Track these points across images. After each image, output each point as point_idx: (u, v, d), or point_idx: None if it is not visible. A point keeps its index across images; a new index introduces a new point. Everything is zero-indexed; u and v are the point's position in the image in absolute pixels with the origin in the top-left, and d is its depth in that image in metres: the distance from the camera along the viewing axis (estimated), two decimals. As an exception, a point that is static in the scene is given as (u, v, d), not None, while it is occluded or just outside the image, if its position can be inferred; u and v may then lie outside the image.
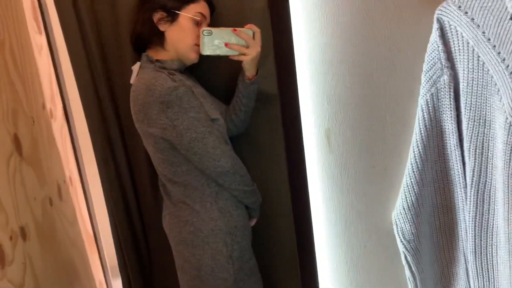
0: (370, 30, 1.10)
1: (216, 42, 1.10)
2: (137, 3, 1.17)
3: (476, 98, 1.00)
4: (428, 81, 1.07)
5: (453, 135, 1.07)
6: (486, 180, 1.03)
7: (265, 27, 1.14)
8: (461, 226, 1.13)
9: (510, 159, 0.93)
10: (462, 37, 1.00)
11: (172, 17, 1.12)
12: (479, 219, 1.06)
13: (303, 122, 1.16)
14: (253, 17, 1.15)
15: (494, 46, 0.95)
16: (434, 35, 1.04)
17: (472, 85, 1.01)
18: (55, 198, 1.17)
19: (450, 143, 1.08)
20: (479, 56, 0.98)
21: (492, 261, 1.06)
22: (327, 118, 1.16)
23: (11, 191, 0.93)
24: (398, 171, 1.17)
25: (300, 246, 1.24)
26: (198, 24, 1.14)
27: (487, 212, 1.04)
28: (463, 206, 1.10)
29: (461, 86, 1.03)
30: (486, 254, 1.06)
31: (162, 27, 1.13)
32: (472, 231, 1.07)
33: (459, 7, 0.99)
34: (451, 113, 1.06)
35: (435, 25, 1.03)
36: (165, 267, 1.39)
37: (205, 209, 1.14)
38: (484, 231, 1.06)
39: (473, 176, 1.04)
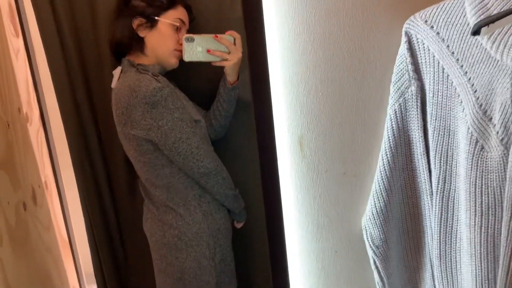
0: (342, 42, 1.13)
1: (198, 49, 1.12)
2: (116, 8, 1.18)
3: (441, 108, 1.04)
4: (396, 91, 1.10)
5: (419, 144, 1.10)
6: (450, 188, 1.06)
7: (241, 36, 1.16)
8: (427, 232, 1.17)
9: (471, 168, 0.96)
10: (429, 50, 1.03)
11: (151, 23, 1.14)
12: (443, 225, 1.09)
13: (276, 129, 1.18)
14: (231, 27, 1.17)
15: (458, 59, 0.98)
16: (403, 48, 1.07)
17: (437, 96, 1.04)
18: (30, 202, 1.17)
19: (417, 151, 1.12)
20: (444, 69, 1.02)
21: (456, 265, 1.09)
22: (300, 126, 1.19)
23: (-17, 195, 0.93)
24: (368, 178, 1.21)
25: (272, 251, 1.26)
26: (177, 29, 1.16)
27: (451, 218, 1.08)
28: (429, 213, 1.13)
29: (427, 97, 1.07)
30: (451, 258, 1.10)
31: (141, 33, 1.15)
32: (437, 236, 1.10)
33: (426, 21, 1.02)
34: (418, 123, 1.09)
35: (404, 38, 1.06)
36: (142, 273, 1.39)
37: (189, 212, 1.15)
38: (448, 236, 1.09)
39: (438, 184, 1.07)
